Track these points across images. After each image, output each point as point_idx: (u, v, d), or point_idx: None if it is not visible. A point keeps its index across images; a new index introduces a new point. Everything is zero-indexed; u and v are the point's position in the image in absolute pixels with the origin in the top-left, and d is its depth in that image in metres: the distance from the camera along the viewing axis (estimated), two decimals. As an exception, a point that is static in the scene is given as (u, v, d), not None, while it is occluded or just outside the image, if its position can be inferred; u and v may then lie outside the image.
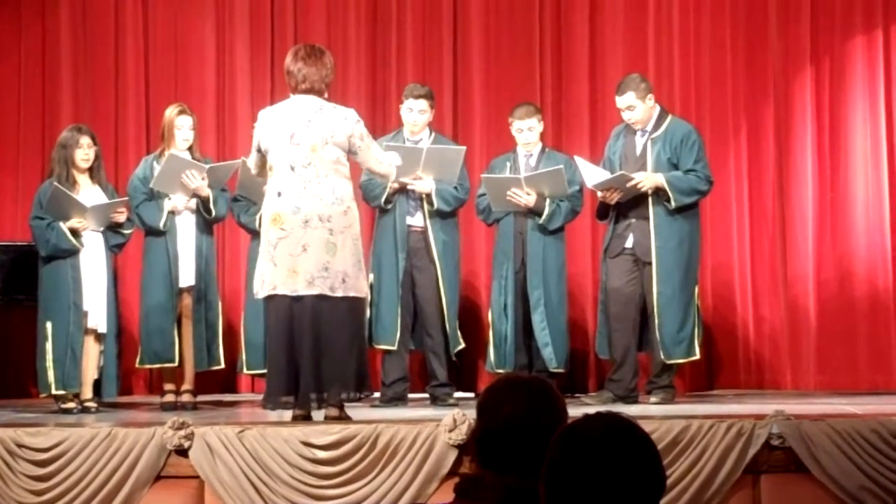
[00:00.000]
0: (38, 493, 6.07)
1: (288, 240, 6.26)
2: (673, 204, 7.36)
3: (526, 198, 7.66)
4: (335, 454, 5.85)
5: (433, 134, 7.91)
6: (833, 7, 8.73)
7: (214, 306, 7.82)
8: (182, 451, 5.95)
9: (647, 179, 7.38)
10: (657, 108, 7.58)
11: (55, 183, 7.52)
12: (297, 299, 6.27)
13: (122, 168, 9.02)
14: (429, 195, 7.64)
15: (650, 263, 7.41)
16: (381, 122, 8.78)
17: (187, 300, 7.71)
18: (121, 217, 7.66)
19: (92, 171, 7.72)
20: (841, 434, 5.58)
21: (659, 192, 7.39)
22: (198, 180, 7.59)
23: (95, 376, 7.64)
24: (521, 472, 2.61)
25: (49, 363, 7.48)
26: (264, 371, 7.02)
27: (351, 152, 6.42)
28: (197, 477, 5.96)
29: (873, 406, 6.78)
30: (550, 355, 7.66)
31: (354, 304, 6.39)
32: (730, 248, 8.74)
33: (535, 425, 2.64)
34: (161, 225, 7.63)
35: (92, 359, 7.60)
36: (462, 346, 7.91)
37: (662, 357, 7.41)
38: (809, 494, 5.60)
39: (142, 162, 7.99)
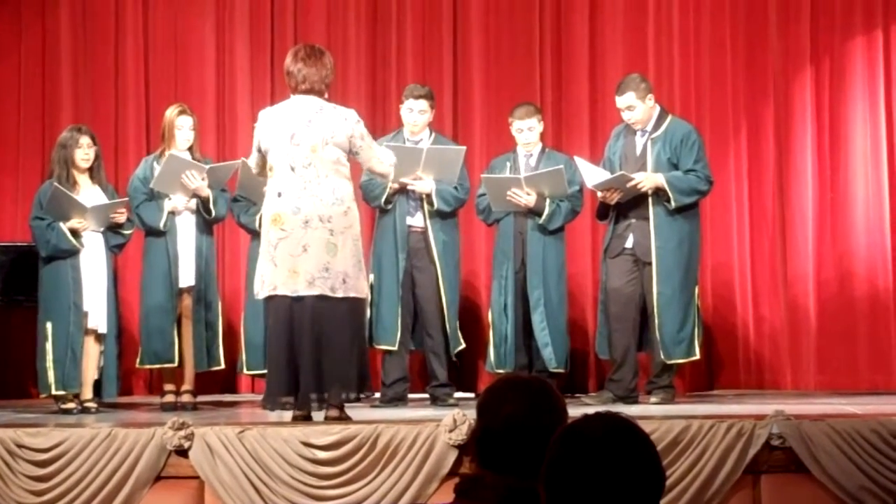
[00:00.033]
0: (38, 494, 6.07)
1: (288, 240, 6.26)
2: (673, 204, 7.36)
3: (526, 198, 7.66)
4: (335, 454, 5.85)
5: (433, 134, 7.91)
6: (833, 7, 8.73)
7: (214, 307, 7.82)
8: (182, 452, 5.95)
9: (647, 179, 7.38)
10: (657, 109, 7.58)
11: (55, 183, 7.52)
12: (298, 300, 6.26)
13: (122, 168, 9.02)
14: (429, 195, 7.64)
15: (650, 263, 7.41)
16: (381, 122, 8.78)
17: (187, 300, 7.71)
18: (121, 217, 7.66)
19: (92, 172, 7.72)
20: (841, 434, 5.58)
21: (659, 193, 7.38)
22: (198, 180, 7.59)
23: (95, 377, 7.64)
24: (521, 472, 2.61)
25: (49, 363, 7.48)
26: (264, 371, 7.02)
27: (352, 152, 6.42)
28: (197, 477, 5.95)
29: (873, 406, 6.79)
30: (550, 355, 7.66)
31: (355, 304, 6.38)
32: (730, 248, 8.74)
33: (535, 425, 2.64)
34: (161, 225, 7.63)
35: (92, 359, 7.60)
36: (462, 346, 7.91)
37: (662, 357, 7.41)
38: (809, 494, 5.60)
39: (142, 162, 7.99)
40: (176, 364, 7.69)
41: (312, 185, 6.28)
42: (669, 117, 7.61)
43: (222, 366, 7.91)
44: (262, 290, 6.37)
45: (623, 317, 7.49)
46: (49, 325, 7.50)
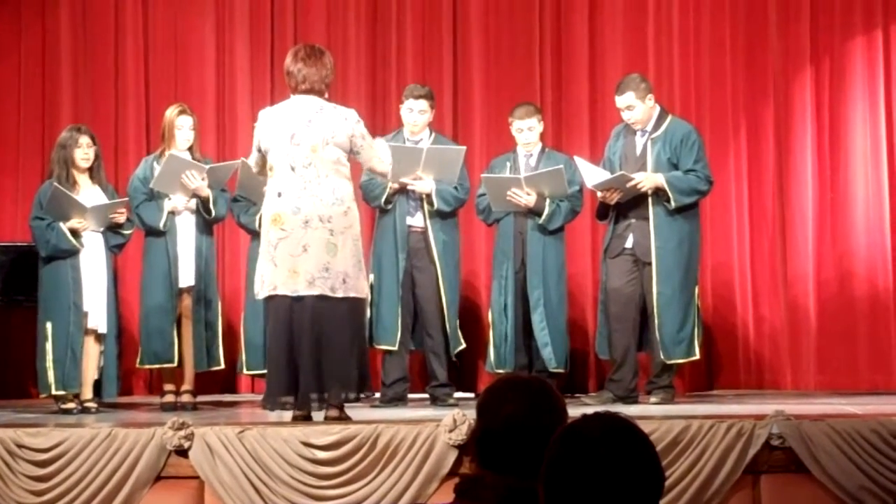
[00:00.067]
0: (38, 494, 6.07)
1: (288, 240, 6.26)
2: (673, 204, 7.36)
3: (526, 198, 7.66)
4: (335, 454, 5.85)
5: (433, 134, 7.91)
6: (833, 7, 8.73)
7: (214, 307, 7.82)
8: (182, 452, 5.95)
9: (647, 179, 7.38)
10: (657, 109, 7.58)
11: (55, 183, 7.52)
12: (298, 299, 6.26)
13: (122, 168, 9.02)
14: (429, 195, 7.64)
15: (650, 263, 7.41)
16: (381, 122, 8.78)
17: (187, 300, 7.71)
18: (121, 217, 7.66)
19: (92, 172, 7.72)
20: (841, 434, 5.58)
21: (659, 193, 7.38)
22: (197, 180, 7.59)
23: (95, 377, 7.64)
24: (521, 472, 2.61)
25: (49, 363, 7.48)
26: (264, 371, 7.03)
27: (353, 152, 6.42)
28: (197, 477, 5.95)
29: (873, 406, 6.78)
30: (550, 355, 7.66)
31: (355, 304, 6.38)
32: (730, 248, 8.74)
33: (535, 425, 2.64)
34: (161, 225, 7.63)
35: (92, 359, 7.60)
36: (463, 346, 7.91)
37: (662, 357, 7.41)
38: (809, 494, 5.60)
39: (142, 162, 8.00)
40: (176, 364, 7.69)
41: (312, 185, 6.28)
42: (669, 117, 7.61)
43: (222, 366, 7.91)
44: (262, 290, 6.37)
45: (623, 317, 7.49)
46: (49, 325, 7.51)
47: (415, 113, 7.76)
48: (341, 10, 9.26)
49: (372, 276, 7.51)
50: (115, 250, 7.78)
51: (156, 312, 7.66)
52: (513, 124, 7.90)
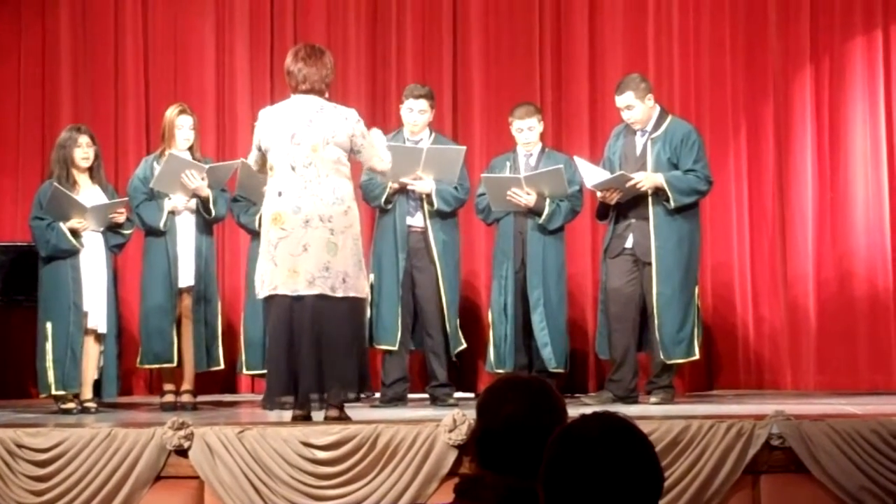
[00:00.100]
0: (38, 494, 6.07)
1: (288, 239, 6.26)
2: (672, 204, 7.36)
3: (526, 198, 7.66)
4: (335, 454, 5.85)
5: (433, 134, 7.91)
6: (833, 7, 8.73)
7: (214, 307, 7.82)
8: (182, 452, 5.95)
9: (647, 179, 7.38)
10: (657, 109, 7.58)
11: (55, 183, 7.52)
12: (298, 299, 6.26)
13: (122, 168, 9.02)
14: (429, 195, 7.64)
15: (650, 263, 7.41)
16: (381, 122, 8.76)
17: (187, 301, 7.71)
18: (120, 217, 7.66)
19: (92, 172, 7.72)
20: (841, 434, 5.58)
21: (658, 192, 7.38)
22: (197, 180, 7.59)
23: (95, 377, 7.64)
24: (521, 472, 2.61)
25: (49, 363, 7.48)
26: (264, 371, 7.02)
27: (353, 151, 6.42)
28: (197, 477, 5.95)
29: (873, 406, 6.78)
30: (549, 355, 7.66)
31: (355, 304, 6.38)
32: (730, 248, 8.74)
33: (535, 425, 2.64)
34: (161, 225, 7.63)
35: (92, 359, 7.60)
36: (463, 346, 7.91)
37: (662, 357, 7.41)
38: (809, 495, 5.59)
39: (142, 162, 8.00)
40: (175, 364, 7.69)
41: (313, 185, 6.28)
42: (669, 117, 7.61)
43: (222, 366, 7.91)
44: (262, 290, 6.37)
45: (623, 317, 7.49)
46: (49, 325, 7.51)
47: (415, 113, 7.76)
48: (341, 10, 9.26)
49: (372, 276, 7.51)
50: (115, 250, 7.78)
51: (156, 312, 7.66)
52: (513, 124, 7.90)
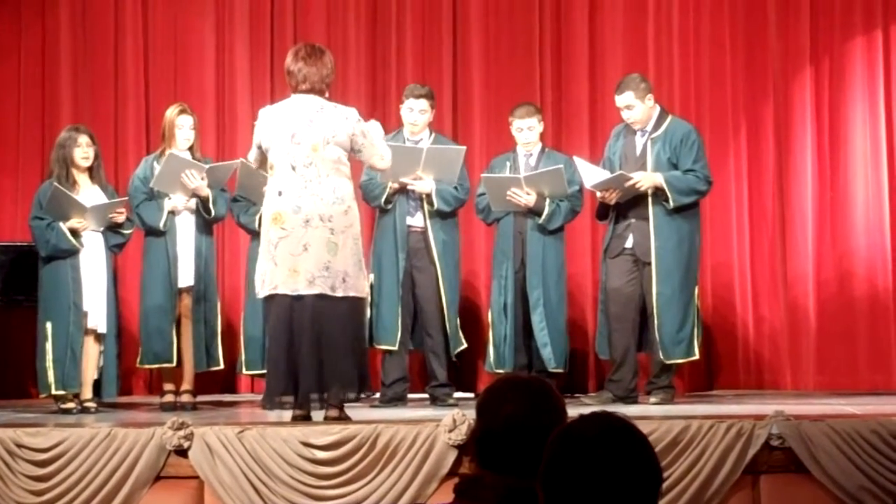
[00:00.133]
0: (38, 494, 6.06)
1: (289, 239, 6.26)
2: (671, 204, 7.36)
3: (526, 198, 7.65)
4: (335, 454, 5.85)
5: (433, 134, 7.91)
6: (833, 7, 8.73)
7: (214, 307, 7.82)
8: (181, 452, 5.95)
9: (646, 179, 7.38)
10: (657, 109, 7.58)
11: (55, 183, 7.52)
12: (298, 299, 6.26)
13: (122, 168, 9.02)
14: (429, 195, 7.64)
15: (650, 264, 7.41)
16: (381, 122, 8.70)
17: (187, 300, 7.71)
18: (120, 217, 7.66)
19: (92, 172, 7.72)
20: (841, 434, 5.58)
21: (658, 192, 7.38)
22: (197, 180, 7.59)
23: (95, 376, 7.64)
24: (521, 472, 2.61)
25: (49, 363, 7.48)
26: (263, 371, 7.02)
27: (354, 151, 6.42)
28: (196, 477, 5.95)
29: (873, 406, 6.79)
30: (549, 355, 7.66)
31: (355, 303, 6.38)
32: (730, 248, 8.74)
33: (534, 425, 2.64)
34: (161, 225, 7.63)
35: (92, 359, 7.60)
36: (464, 346, 7.91)
37: (662, 357, 7.41)
38: (809, 495, 5.59)
39: (142, 162, 8.00)
40: (175, 364, 7.69)
41: (313, 185, 6.28)
42: (669, 117, 7.61)
43: (221, 366, 7.91)
44: (262, 290, 6.37)
45: (623, 317, 7.49)
46: (49, 325, 7.50)
47: (415, 112, 7.76)
48: (341, 10, 9.25)
49: (372, 276, 7.50)
50: (114, 250, 7.78)
51: (155, 312, 7.66)
52: (513, 124, 7.90)
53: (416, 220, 7.72)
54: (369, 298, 7.09)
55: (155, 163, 7.74)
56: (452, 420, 5.74)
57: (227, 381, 8.79)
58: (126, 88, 9.33)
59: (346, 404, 6.42)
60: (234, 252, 8.89)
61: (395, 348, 7.68)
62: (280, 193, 6.31)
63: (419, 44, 9.13)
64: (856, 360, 8.49)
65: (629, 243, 7.49)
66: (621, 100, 7.50)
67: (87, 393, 7.58)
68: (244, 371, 8.18)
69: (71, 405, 7.47)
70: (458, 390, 7.95)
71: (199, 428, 5.97)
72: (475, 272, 8.76)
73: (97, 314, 7.59)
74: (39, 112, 9.40)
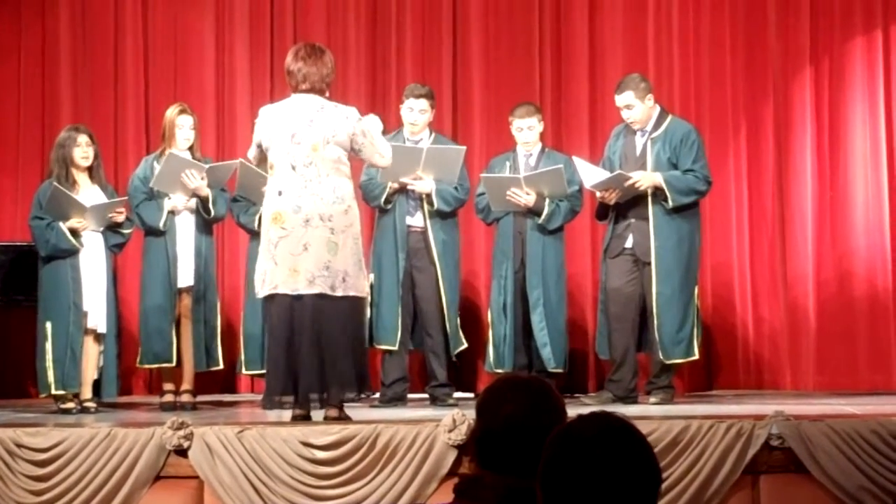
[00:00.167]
0: (38, 494, 6.06)
1: (289, 239, 6.26)
2: (670, 203, 7.36)
3: (525, 197, 7.65)
4: (334, 454, 5.85)
5: (433, 134, 7.90)
6: (832, 7, 8.73)
7: (213, 307, 7.82)
8: (181, 452, 5.95)
9: (645, 179, 7.38)
10: (657, 108, 7.58)
11: (54, 183, 7.52)
12: (298, 298, 6.26)
13: (122, 168, 9.02)
14: (429, 195, 7.64)
15: (650, 263, 7.41)
16: (381, 122, 8.76)
17: (186, 300, 7.71)
18: (120, 217, 7.66)
19: (91, 171, 7.72)
20: (840, 434, 5.58)
21: (658, 192, 7.38)
22: (197, 180, 7.59)
23: (95, 376, 7.64)
24: (521, 472, 2.61)
25: (49, 363, 7.47)
26: (263, 371, 7.02)
27: (354, 150, 6.42)
28: (196, 477, 5.95)
29: (873, 406, 6.79)
30: (549, 355, 7.66)
31: (355, 303, 6.38)
32: (729, 248, 8.74)
33: (534, 425, 2.64)
34: (161, 225, 7.63)
35: (91, 359, 7.60)
36: (465, 345, 7.91)
37: (661, 357, 7.41)
38: (809, 495, 5.59)
39: (142, 162, 8.00)
40: (175, 364, 7.69)
41: (313, 184, 6.28)
42: (669, 117, 7.61)
43: (221, 366, 7.91)
44: (262, 289, 6.37)
45: (623, 317, 7.49)
46: (49, 325, 7.50)
47: (415, 112, 7.76)
48: (341, 10, 9.25)
49: (372, 276, 7.50)
50: (114, 250, 7.78)
51: (155, 312, 7.66)
52: (513, 123, 7.90)
53: (416, 220, 7.72)
54: (369, 298, 7.09)
55: (155, 163, 7.74)
56: (452, 420, 5.74)
57: (226, 381, 8.79)
58: (126, 88, 9.33)
59: (345, 404, 6.42)
60: (234, 252, 8.89)
61: (395, 348, 7.68)
62: (280, 193, 6.31)
63: (419, 44, 9.13)
64: (856, 360, 8.49)
65: (629, 243, 7.49)
66: (621, 99, 7.50)
67: (87, 393, 7.58)
68: (244, 370, 8.17)
69: (71, 405, 7.47)
70: (457, 390, 7.95)
71: (198, 428, 5.97)
72: (475, 272, 8.76)
73: (97, 314, 7.59)
74: (39, 112, 9.40)
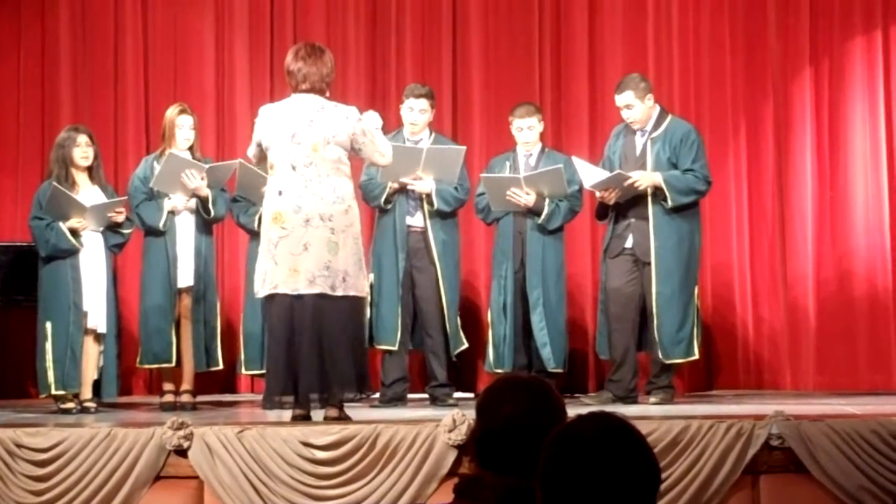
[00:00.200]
0: (38, 494, 6.06)
1: (289, 238, 6.26)
2: (670, 203, 7.36)
3: (525, 197, 7.65)
4: (334, 454, 5.85)
5: (433, 134, 7.90)
6: (832, 7, 8.73)
7: (213, 307, 7.82)
8: (181, 452, 5.95)
9: (645, 178, 7.38)
10: (657, 108, 7.58)
11: (54, 183, 7.52)
12: (298, 298, 6.26)
13: (122, 168, 9.03)
14: (429, 195, 7.64)
15: (649, 263, 7.41)
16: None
17: (186, 301, 7.71)
18: (120, 217, 7.66)
19: (91, 171, 7.72)
20: (840, 434, 5.58)
21: (658, 192, 7.38)
22: (197, 180, 7.59)
23: (95, 376, 7.64)
24: (521, 472, 2.61)
25: (49, 363, 7.48)
26: (263, 370, 7.01)
27: (354, 150, 6.42)
28: (196, 477, 5.95)
29: (873, 406, 6.78)
30: (549, 355, 7.66)
31: (355, 303, 6.38)
32: (729, 248, 8.74)
33: (534, 425, 2.64)
34: (161, 225, 7.63)
35: (91, 359, 7.60)
36: (465, 345, 7.91)
37: (661, 357, 7.41)
38: (809, 495, 5.59)
39: (142, 162, 8.00)
40: (175, 364, 7.69)
41: (313, 184, 6.28)
42: (669, 117, 7.61)
43: (221, 366, 7.91)
44: (262, 289, 6.37)
45: (623, 317, 7.49)
46: (49, 325, 7.51)
47: (415, 112, 7.76)
48: (341, 10, 9.25)
49: (372, 276, 7.50)
50: (114, 250, 7.78)
51: (155, 312, 7.67)
52: (513, 123, 7.90)
53: (416, 220, 7.72)
54: (369, 298, 7.09)
55: (155, 163, 7.74)
56: (452, 420, 5.74)
57: (226, 381, 8.79)
58: (126, 88, 9.33)
59: (345, 404, 6.42)
60: (234, 252, 8.89)
61: (395, 348, 7.68)
62: (280, 193, 6.31)
63: (419, 44, 9.13)
64: (856, 360, 8.49)
65: (629, 243, 7.49)
66: (621, 99, 7.50)
67: (87, 393, 7.58)
68: (243, 370, 8.17)
69: (71, 405, 7.47)
70: (457, 390, 7.95)
71: (198, 428, 5.97)
72: (475, 272, 8.76)
73: (97, 314, 7.59)
74: (39, 112, 9.40)
